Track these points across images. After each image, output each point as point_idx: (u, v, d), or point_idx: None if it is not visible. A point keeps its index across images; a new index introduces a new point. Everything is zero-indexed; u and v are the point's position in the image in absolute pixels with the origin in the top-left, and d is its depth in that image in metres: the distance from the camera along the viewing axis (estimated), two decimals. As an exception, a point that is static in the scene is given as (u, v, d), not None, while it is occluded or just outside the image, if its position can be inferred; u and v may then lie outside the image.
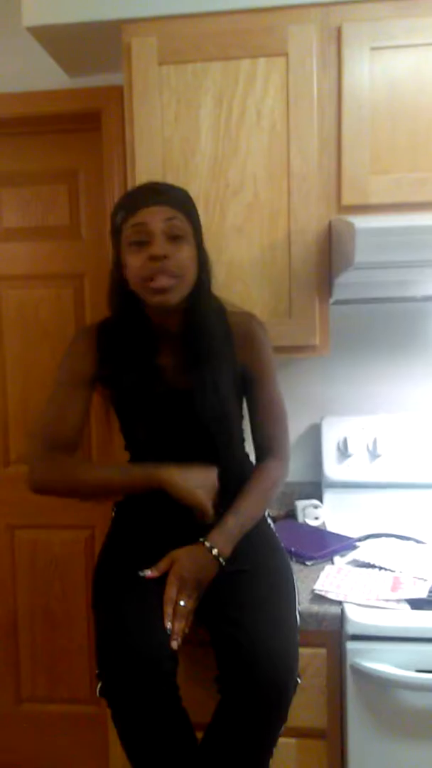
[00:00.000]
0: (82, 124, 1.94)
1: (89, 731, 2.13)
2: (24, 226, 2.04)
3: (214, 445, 1.31)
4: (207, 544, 1.23)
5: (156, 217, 1.22)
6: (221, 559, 1.22)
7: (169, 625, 1.15)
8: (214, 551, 1.22)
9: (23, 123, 1.96)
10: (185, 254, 1.24)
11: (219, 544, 1.23)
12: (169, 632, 1.15)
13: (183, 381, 1.30)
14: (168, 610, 1.16)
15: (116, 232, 1.28)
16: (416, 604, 1.27)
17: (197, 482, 1.22)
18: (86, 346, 1.36)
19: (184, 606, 1.17)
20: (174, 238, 1.23)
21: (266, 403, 1.38)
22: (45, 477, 1.30)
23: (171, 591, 1.18)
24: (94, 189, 2.00)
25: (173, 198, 1.26)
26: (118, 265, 1.29)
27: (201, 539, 1.24)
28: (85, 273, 2.04)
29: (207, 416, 1.28)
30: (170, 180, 1.52)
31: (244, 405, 1.42)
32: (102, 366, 1.33)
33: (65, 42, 1.67)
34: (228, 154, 1.52)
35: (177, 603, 1.17)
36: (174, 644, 1.14)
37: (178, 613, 1.16)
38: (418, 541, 1.54)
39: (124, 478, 1.28)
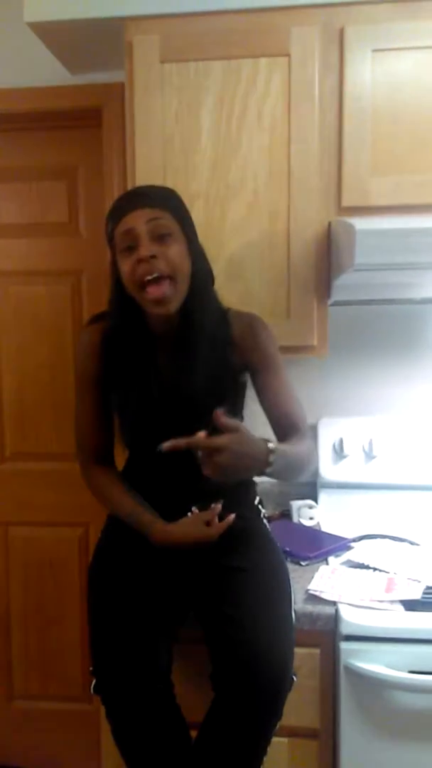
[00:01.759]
0: (82, 120, 1.94)
1: (82, 728, 2.13)
2: (22, 223, 2.04)
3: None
4: (270, 445, 1.09)
5: (139, 220, 1.22)
6: (270, 462, 1.08)
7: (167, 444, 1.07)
8: (271, 457, 1.08)
9: (23, 119, 1.95)
10: (174, 251, 1.23)
11: (278, 453, 1.10)
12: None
13: (182, 380, 1.29)
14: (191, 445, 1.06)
15: (110, 242, 1.29)
16: (410, 605, 1.27)
17: (188, 528, 1.23)
18: (90, 347, 1.36)
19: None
20: (160, 237, 1.22)
21: (277, 388, 1.33)
22: (88, 487, 1.40)
23: (211, 443, 1.04)
24: (93, 186, 1.99)
25: (155, 198, 1.25)
26: (116, 272, 1.29)
27: (267, 441, 1.10)
28: (83, 270, 2.03)
29: (191, 409, 1.27)
30: (170, 179, 1.53)
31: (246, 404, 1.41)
32: (105, 367, 1.34)
33: (67, 38, 1.67)
34: (228, 153, 1.52)
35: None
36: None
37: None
38: (412, 543, 1.54)
39: (129, 520, 1.29)
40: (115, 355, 1.32)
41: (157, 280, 1.21)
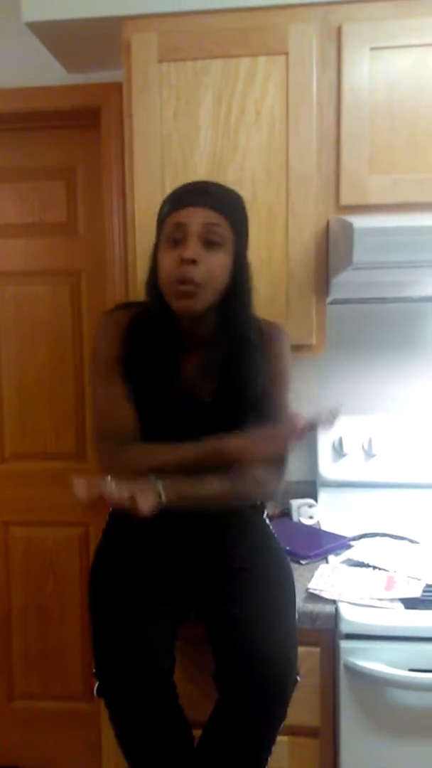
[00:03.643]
0: (81, 120, 1.94)
1: (82, 728, 2.12)
2: (21, 222, 2.04)
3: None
4: (159, 485, 1.12)
5: (196, 219, 1.18)
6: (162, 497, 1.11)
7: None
8: (162, 495, 1.11)
9: (22, 119, 1.95)
10: (216, 262, 1.19)
11: (168, 491, 1.12)
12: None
13: (203, 388, 1.26)
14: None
15: (159, 224, 1.25)
16: (410, 603, 1.27)
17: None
18: (117, 330, 1.29)
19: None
20: (209, 243, 1.18)
21: (281, 411, 1.32)
22: (122, 468, 1.19)
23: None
24: (92, 186, 1.99)
25: (220, 201, 1.21)
26: (154, 256, 1.25)
27: (153, 476, 1.13)
28: (82, 270, 2.03)
29: (226, 427, 1.24)
30: (169, 177, 1.53)
31: None
32: (127, 353, 1.28)
33: (65, 38, 1.67)
34: (227, 152, 1.52)
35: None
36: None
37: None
38: (412, 541, 1.54)
39: (196, 454, 1.18)
40: (139, 345, 1.26)
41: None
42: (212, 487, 1.18)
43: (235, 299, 1.25)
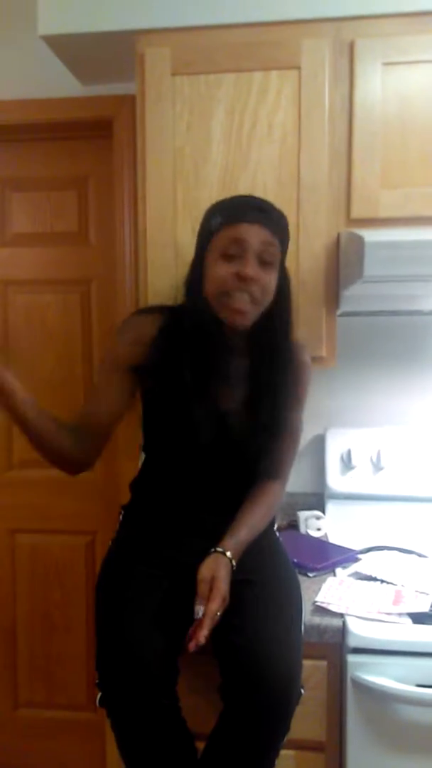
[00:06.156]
0: (93, 131, 1.96)
1: (87, 738, 2.12)
2: (33, 232, 2.05)
3: (246, 469, 1.33)
4: (228, 554, 1.23)
5: (255, 237, 1.19)
6: (234, 565, 1.23)
7: (202, 639, 1.13)
8: (234, 562, 1.23)
9: (35, 129, 1.97)
10: (271, 281, 1.22)
11: (235, 554, 1.24)
12: (195, 648, 1.13)
13: (227, 394, 1.28)
14: (208, 623, 1.14)
15: (207, 235, 1.24)
16: (418, 618, 1.26)
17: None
18: (141, 335, 1.29)
19: (219, 615, 1.16)
20: (264, 263, 1.21)
21: (289, 430, 1.35)
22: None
23: (214, 607, 1.15)
24: (103, 196, 2.01)
25: (276, 223, 1.22)
26: (199, 265, 1.25)
27: (219, 549, 1.23)
28: (93, 279, 2.05)
29: (254, 449, 1.29)
30: (180, 190, 1.54)
31: None
32: (153, 361, 1.28)
33: (79, 51, 1.68)
34: (239, 164, 1.53)
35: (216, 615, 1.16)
36: (192, 645, 1.12)
37: (213, 623, 1.16)
38: (420, 555, 1.54)
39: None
40: (174, 350, 1.26)
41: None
42: (255, 532, 1.30)
43: (275, 316, 1.28)
